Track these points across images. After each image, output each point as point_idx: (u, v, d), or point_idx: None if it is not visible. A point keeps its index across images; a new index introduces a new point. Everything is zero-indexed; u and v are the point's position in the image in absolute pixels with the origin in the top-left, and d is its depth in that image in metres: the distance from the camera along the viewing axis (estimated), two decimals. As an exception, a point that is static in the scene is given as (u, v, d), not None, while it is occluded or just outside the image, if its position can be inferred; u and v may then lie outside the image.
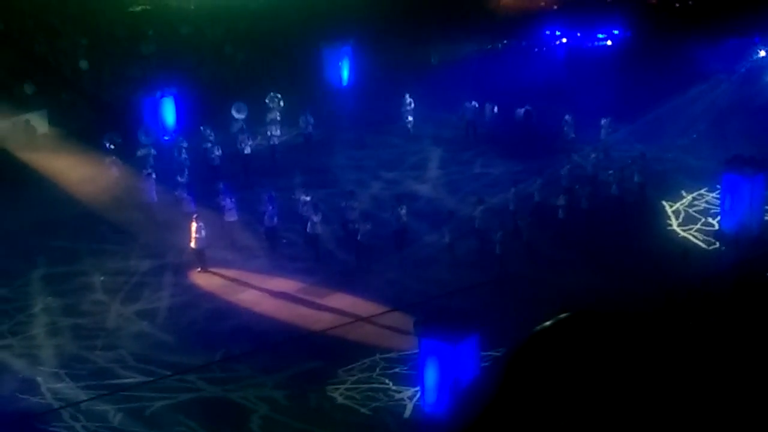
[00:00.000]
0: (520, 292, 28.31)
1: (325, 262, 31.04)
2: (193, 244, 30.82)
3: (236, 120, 40.73)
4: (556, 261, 30.55)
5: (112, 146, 38.17)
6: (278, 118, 40.89)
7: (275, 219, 32.14)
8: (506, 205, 32.97)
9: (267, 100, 41.57)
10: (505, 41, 51.19)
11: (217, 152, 37.84)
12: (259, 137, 39.96)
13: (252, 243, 32.30)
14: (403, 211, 31.59)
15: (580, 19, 50.67)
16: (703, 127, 39.51)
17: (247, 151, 38.60)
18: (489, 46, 49.93)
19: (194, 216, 31.02)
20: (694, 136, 38.50)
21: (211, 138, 38.81)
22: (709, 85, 42.73)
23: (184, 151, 37.57)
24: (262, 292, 29.63)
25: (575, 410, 13.20)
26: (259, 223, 32.62)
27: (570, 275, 29.19)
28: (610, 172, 34.72)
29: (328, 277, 30.09)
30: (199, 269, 30.71)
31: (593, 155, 36.40)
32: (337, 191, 35.64)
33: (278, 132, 40.37)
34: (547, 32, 50.99)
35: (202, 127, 39.32)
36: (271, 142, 40.04)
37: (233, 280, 30.45)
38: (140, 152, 37.98)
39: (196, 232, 30.63)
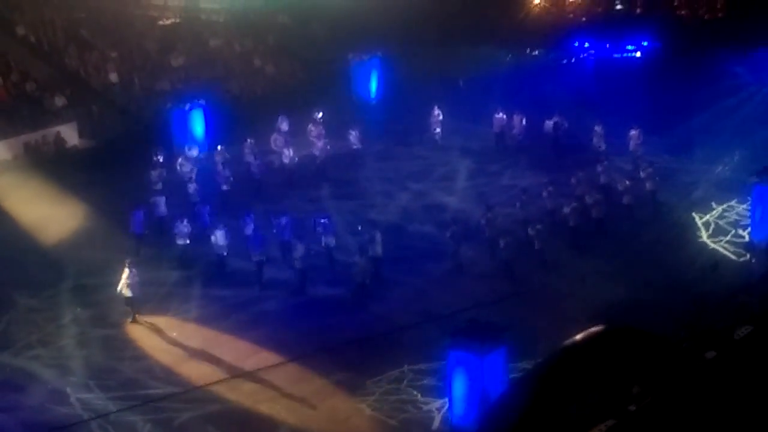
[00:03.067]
0: (547, 303, 28.21)
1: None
2: (124, 292, 28.63)
3: (279, 132, 40.72)
4: (585, 273, 30.41)
5: (159, 158, 38.09)
6: (323, 131, 40.75)
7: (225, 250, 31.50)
8: (526, 215, 32.91)
9: (317, 114, 41.64)
10: (535, 52, 51.09)
11: (255, 161, 38.14)
12: (291, 150, 39.73)
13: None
14: (378, 239, 30.53)
15: (609, 31, 50.51)
16: (732, 138, 39.20)
17: (286, 161, 38.80)
18: (511, 58, 49.77)
19: (127, 261, 29.05)
20: (727, 168, 37.83)
21: (254, 150, 38.93)
22: (739, 97, 42.47)
23: (224, 165, 37.63)
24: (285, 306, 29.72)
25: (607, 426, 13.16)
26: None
27: (598, 287, 29.09)
28: (627, 183, 34.47)
29: (353, 287, 30.00)
30: (131, 319, 28.63)
31: (603, 165, 36.03)
32: (365, 203, 35.81)
33: (326, 145, 39.92)
34: (576, 44, 50.86)
35: (249, 140, 39.23)
36: (317, 155, 39.84)
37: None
38: (181, 165, 37.97)
39: (128, 278, 28.53)
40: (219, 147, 39.27)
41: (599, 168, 35.69)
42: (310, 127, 41.09)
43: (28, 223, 35.10)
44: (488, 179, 38.11)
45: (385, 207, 35.95)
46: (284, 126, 41.51)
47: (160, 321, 28.88)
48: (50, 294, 30.45)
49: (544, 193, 33.84)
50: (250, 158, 38.71)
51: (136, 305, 28.82)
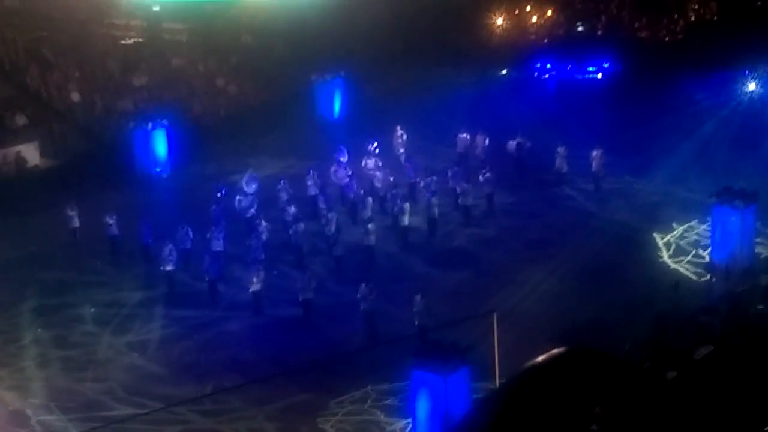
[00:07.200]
0: (509, 324, 28.17)
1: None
2: None
3: (339, 164, 39.34)
4: (546, 293, 30.54)
5: (222, 193, 37.06)
6: (380, 163, 39.52)
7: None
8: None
9: (372, 145, 40.64)
10: (501, 72, 51.37)
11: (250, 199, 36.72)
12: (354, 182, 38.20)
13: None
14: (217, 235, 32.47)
15: (571, 52, 50.91)
16: (692, 159, 39.53)
17: (351, 195, 37.44)
18: (474, 78, 49.96)
19: None
20: (687, 189, 37.95)
21: (318, 182, 37.72)
22: (699, 118, 42.85)
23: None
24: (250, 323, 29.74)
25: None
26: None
27: (560, 307, 29.21)
28: (465, 185, 36.58)
29: (316, 306, 29.97)
30: None
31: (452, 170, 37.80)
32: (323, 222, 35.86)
33: (389, 176, 38.43)
34: (538, 65, 51.21)
35: (312, 172, 38.05)
36: (378, 187, 38.27)
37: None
38: (240, 201, 36.47)
39: None
40: (282, 182, 37.51)
41: (449, 173, 38.08)
42: (366, 159, 39.95)
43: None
44: (451, 200, 37.98)
45: (348, 228, 35.85)
46: (344, 157, 39.97)
47: (122, 340, 28.80)
48: (11, 315, 30.21)
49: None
50: (313, 190, 37.53)
51: None
